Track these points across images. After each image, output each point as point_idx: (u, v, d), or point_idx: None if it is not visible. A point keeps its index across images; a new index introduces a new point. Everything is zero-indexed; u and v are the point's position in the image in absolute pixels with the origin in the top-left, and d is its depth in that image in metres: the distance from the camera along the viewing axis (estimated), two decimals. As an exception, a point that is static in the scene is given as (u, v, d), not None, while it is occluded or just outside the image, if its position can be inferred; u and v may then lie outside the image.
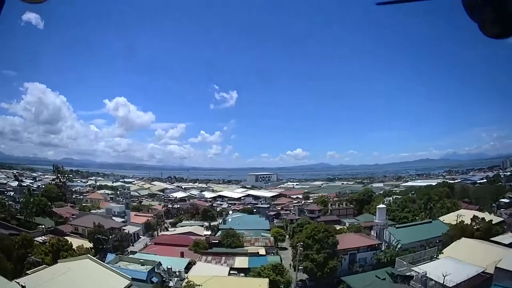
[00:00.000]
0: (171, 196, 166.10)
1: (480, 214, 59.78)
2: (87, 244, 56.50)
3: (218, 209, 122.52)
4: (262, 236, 73.58)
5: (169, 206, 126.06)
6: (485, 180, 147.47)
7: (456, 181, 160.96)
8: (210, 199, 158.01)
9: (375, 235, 67.74)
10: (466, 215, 59.79)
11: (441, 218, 66.35)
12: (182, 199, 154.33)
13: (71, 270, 26.99)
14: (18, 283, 21.92)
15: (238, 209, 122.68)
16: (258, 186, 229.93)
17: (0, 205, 74.07)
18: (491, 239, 48.33)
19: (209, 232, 77.66)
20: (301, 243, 50.69)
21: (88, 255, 32.27)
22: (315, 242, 50.61)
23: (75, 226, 72.37)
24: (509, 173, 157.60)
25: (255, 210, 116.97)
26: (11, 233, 53.69)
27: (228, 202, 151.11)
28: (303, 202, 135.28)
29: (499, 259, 36.17)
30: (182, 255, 57.16)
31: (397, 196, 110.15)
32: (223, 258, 56.83)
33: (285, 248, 73.96)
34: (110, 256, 47.86)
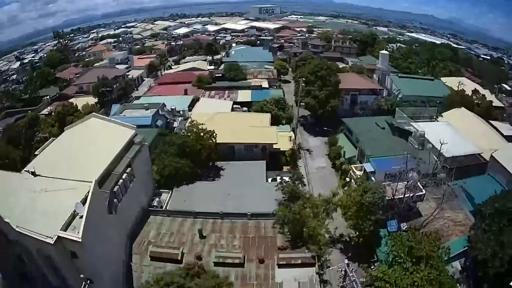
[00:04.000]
0: (174, 33, 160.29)
1: (481, 90, 57.53)
2: (92, 101, 57.74)
3: (221, 42, 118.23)
4: (265, 68, 72.07)
5: (172, 43, 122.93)
6: (489, 57, 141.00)
7: (460, 46, 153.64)
8: (213, 33, 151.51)
9: (377, 79, 67.22)
10: (468, 85, 57.52)
11: (442, 80, 62.96)
12: (185, 35, 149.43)
13: (76, 135, 26.70)
14: (28, 171, 21.91)
15: (241, 41, 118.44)
16: (262, 18, 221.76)
17: (5, 93, 73.80)
18: (489, 121, 46.15)
19: (212, 67, 76.66)
20: (303, 79, 49.10)
21: (93, 113, 31.88)
22: (317, 79, 49.08)
23: (79, 86, 72.29)
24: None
25: (258, 42, 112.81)
26: (17, 118, 54.88)
27: (232, 34, 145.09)
28: (306, 35, 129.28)
29: (495, 148, 34.93)
30: (185, 92, 57.77)
31: (401, 45, 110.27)
32: (226, 92, 57.43)
33: (288, 81, 73.52)
34: (115, 108, 48.89)
